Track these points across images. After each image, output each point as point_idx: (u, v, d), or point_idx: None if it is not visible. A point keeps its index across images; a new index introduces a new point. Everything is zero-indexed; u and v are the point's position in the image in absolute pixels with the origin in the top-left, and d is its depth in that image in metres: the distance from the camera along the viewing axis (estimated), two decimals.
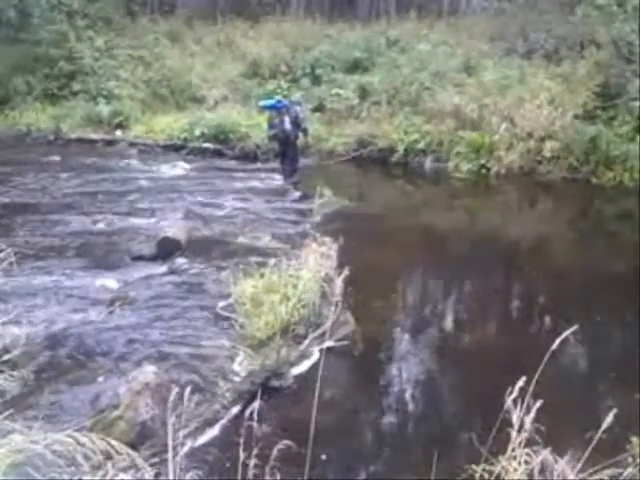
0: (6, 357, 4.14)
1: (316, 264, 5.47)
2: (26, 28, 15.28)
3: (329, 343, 4.63)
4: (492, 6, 16.16)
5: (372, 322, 5.27)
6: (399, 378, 4.67)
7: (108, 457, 2.35)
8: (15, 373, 4.04)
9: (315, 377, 3.61)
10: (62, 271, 6.31)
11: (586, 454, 2.16)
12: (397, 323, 5.55)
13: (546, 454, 2.17)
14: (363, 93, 12.98)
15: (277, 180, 10.48)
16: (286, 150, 10.13)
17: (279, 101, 10.01)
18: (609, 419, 2.06)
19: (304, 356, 4.71)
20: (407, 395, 4.42)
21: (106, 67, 15.26)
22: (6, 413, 2.42)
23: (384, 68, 13.69)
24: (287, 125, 9.69)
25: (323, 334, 4.81)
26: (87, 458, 2.18)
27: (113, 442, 2.24)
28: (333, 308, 4.02)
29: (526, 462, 2.22)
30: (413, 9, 16.73)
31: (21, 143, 13.49)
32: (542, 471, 2.18)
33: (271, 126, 9.90)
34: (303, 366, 4.61)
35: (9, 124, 14.52)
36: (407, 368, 4.80)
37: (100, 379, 4.30)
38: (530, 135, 10.74)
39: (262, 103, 10.66)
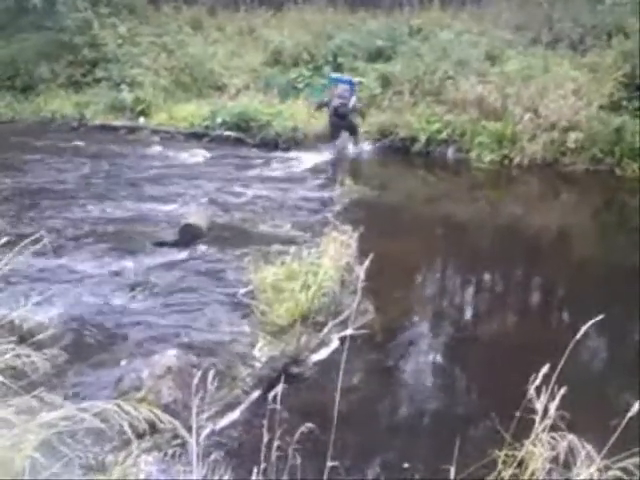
0: (31, 340, 4.21)
1: (336, 253, 5.49)
2: (51, 15, 15.39)
3: (349, 331, 4.64)
4: None
5: (392, 311, 5.27)
6: (419, 365, 4.68)
7: (152, 426, 2.41)
8: (39, 355, 4.11)
9: (334, 364, 3.63)
10: (84, 256, 6.41)
11: (611, 441, 2.15)
12: (417, 312, 5.55)
13: (572, 439, 2.17)
14: (385, 82, 12.87)
15: (298, 168, 10.49)
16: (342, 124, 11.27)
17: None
18: (635, 408, 2.05)
19: (324, 343, 4.74)
20: (428, 382, 4.44)
21: (129, 54, 15.30)
22: (34, 392, 2.47)
23: (406, 57, 13.55)
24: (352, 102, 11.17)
25: (343, 322, 4.84)
26: (132, 426, 2.23)
27: (157, 411, 2.28)
28: (354, 296, 4.03)
29: (552, 447, 2.21)
30: None
31: (46, 129, 13.62)
32: (567, 457, 2.18)
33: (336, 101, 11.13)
34: (322, 353, 4.64)
35: (34, 110, 14.67)
36: (428, 356, 4.81)
37: (123, 362, 4.37)
38: (554, 126, 10.58)
39: (335, 76, 11.97)
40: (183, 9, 17.47)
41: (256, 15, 17.24)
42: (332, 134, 11.42)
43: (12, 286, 5.16)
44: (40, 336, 4.29)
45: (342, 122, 11.27)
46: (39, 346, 4.17)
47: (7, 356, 2.63)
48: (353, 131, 11.53)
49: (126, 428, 2.15)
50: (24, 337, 4.18)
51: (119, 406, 2.12)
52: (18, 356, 2.65)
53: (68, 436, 2.42)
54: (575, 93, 10.86)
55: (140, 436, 2.94)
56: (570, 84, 11.05)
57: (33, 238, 3.39)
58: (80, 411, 2.13)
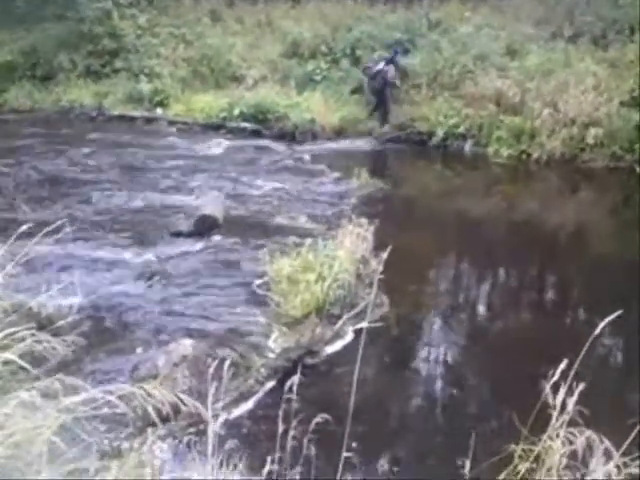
0: (50, 327, 4.25)
1: (352, 245, 5.49)
2: (71, 6, 15.46)
3: (364, 324, 4.64)
4: None
5: (407, 304, 5.27)
6: (435, 359, 4.68)
7: (175, 409, 2.44)
8: (58, 342, 4.15)
9: (348, 356, 3.62)
10: (103, 245, 6.47)
11: (630, 438, 2.14)
12: (432, 305, 5.54)
13: (590, 435, 2.15)
14: (403, 75, 12.82)
15: (314, 161, 10.49)
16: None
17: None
18: None
19: (338, 335, 4.75)
20: (443, 376, 4.43)
21: (148, 45, 15.34)
22: (51, 378, 2.50)
23: (425, 50, 13.49)
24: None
25: (358, 314, 4.85)
26: (157, 410, 2.27)
27: (182, 396, 2.31)
28: (369, 289, 4.03)
29: (569, 442, 2.20)
30: None
31: (65, 119, 13.73)
32: (584, 452, 2.17)
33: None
34: (337, 345, 4.65)
35: (54, 100, 14.77)
36: (443, 349, 4.80)
37: (139, 350, 4.42)
38: (573, 121, 10.48)
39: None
40: (202, 0, 17.47)
41: (275, 7, 17.18)
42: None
43: (32, 273, 5.21)
44: (59, 323, 4.34)
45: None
46: (58, 333, 4.23)
47: (27, 342, 2.66)
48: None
49: (150, 411, 2.17)
50: (43, 323, 4.23)
51: (144, 389, 2.15)
52: (38, 342, 2.68)
53: (86, 421, 2.46)
54: (595, 88, 10.74)
55: (164, 420, 2.97)
56: (591, 79, 10.92)
57: (54, 226, 3.42)
58: (104, 394, 2.16)
